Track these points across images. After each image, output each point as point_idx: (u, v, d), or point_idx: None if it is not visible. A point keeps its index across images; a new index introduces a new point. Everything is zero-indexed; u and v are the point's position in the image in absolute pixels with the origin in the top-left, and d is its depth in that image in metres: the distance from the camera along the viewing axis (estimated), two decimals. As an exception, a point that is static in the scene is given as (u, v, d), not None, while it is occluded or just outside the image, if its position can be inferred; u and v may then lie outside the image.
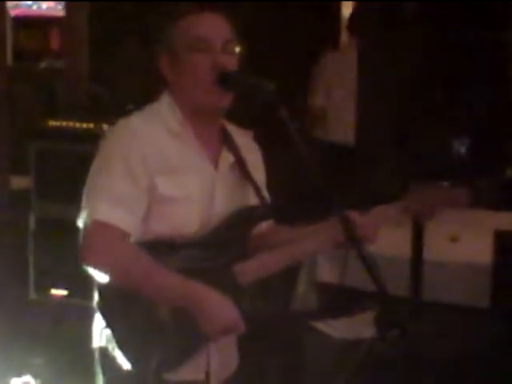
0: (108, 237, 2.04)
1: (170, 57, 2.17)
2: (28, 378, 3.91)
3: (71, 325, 4.20)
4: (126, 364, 2.06)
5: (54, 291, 4.68)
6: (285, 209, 2.37)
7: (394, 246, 3.19)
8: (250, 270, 2.15)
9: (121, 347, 2.05)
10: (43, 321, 4.40)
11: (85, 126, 4.72)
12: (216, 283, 2.06)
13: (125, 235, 2.06)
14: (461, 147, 5.83)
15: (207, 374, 2.14)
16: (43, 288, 4.70)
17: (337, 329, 3.07)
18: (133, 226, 2.08)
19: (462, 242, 3.66)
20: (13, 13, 7.02)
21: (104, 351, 2.12)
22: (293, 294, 3.69)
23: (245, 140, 2.31)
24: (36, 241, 4.72)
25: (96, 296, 2.12)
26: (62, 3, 6.37)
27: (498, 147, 5.63)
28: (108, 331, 2.08)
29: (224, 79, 2.11)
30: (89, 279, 2.11)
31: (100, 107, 5.07)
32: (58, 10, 6.76)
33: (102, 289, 2.07)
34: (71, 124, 4.78)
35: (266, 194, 2.30)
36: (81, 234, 2.08)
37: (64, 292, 4.66)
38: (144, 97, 2.34)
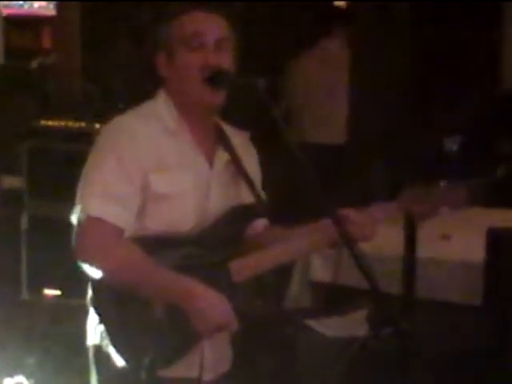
0: (102, 232, 2.05)
1: (166, 55, 2.20)
2: (21, 378, 3.90)
3: (64, 325, 4.19)
4: (119, 361, 2.06)
5: (46, 291, 4.67)
6: (280, 208, 2.37)
7: (386, 244, 3.19)
8: (244, 267, 2.15)
9: (114, 343, 2.06)
10: (36, 321, 4.39)
11: (77, 125, 4.72)
12: (211, 281, 2.07)
13: (119, 231, 2.07)
14: (452, 146, 5.84)
15: (200, 370, 2.15)
16: (36, 288, 4.70)
17: (330, 327, 3.07)
18: (127, 222, 2.08)
19: (454, 239, 3.67)
20: (4, 12, 7.01)
21: (98, 348, 2.13)
22: (286, 293, 3.69)
23: (241, 140, 2.32)
24: (28, 240, 4.72)
25: (89, 292, 2.12)
26: (54, 2, 6.37)
27: (489, 146, 5.64)
28: (102, 328, 2.09)
29: (216, 77, 2.13)
30: (82, 279, 2.11)
31: (92, 106, 5.07)
32: (50, 9, 6.75)
33: (96, 284, 2.08)
34: (63, 123, 4.78)
35: (261, 192, 2.31)
36: (74, 230, 2.08)
37: (57, 292, 4.66)
38: (136, 95, 2.34)
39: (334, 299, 3.56)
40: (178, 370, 2.11)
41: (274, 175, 2.89)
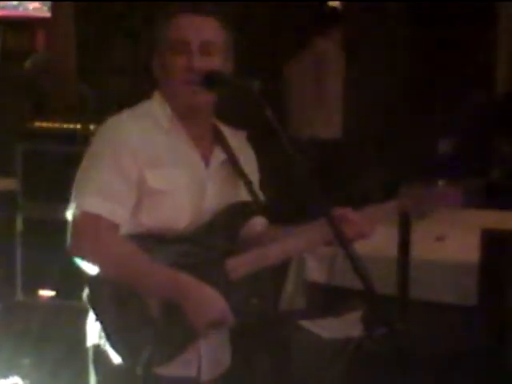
0: (97, 228, 2.06)
1: (158, 57, 2.23)
2: (16, 379, 3.91)
3: (59, 326, 4.19)
4: (116, 358, 2.06)
5: (41, 292, 4.67)
6: (276, 208, 2.38)
7: (381, 245, 3.20)
8: (240, 265, 2.16)
9: (110, 340, 2.06)
10: (31, 322, 4.39)
11: (72, 126, 4.71)
12: (207, 278, 2.07)
13: (114, 226, 2.09)
14: (447, 148, 5.86)
15: (198, 369, 2.16)
16: (31, 289, 4.69)
17: (325, 328, 3.07)
18: (122, 218, 2.10)
19: (448, 240, 3.68)
20: (-1, 14, 7.01)
21: (97, 348, 2.14)
22: (281, 293, 3.70)
23: (238, 140, 2.34)
24: (23, 242, 4.71)
25: (86, 289, 2.12)
26: (48, 4, 6.36)
27: (484, 148, 5.66)
28: (99, 326, 2.09)
29: (209, 79, 2.15)
30: (77, 280, 2.12)
31: (87, 107, 5.07)
32: (44, 10, 6.74)
33: (92, 282, 2.08)
34: (58, 125, 4.77)
35: (258, 191, 2.31)
36: (69, 226, 2.09)
37: (52, 293, 4.66)
38: (131, 97, 2.35)
39: (328, 300, 3.57)
40: (176, 369, 2.12)
41: (272, 174, 2.90)
